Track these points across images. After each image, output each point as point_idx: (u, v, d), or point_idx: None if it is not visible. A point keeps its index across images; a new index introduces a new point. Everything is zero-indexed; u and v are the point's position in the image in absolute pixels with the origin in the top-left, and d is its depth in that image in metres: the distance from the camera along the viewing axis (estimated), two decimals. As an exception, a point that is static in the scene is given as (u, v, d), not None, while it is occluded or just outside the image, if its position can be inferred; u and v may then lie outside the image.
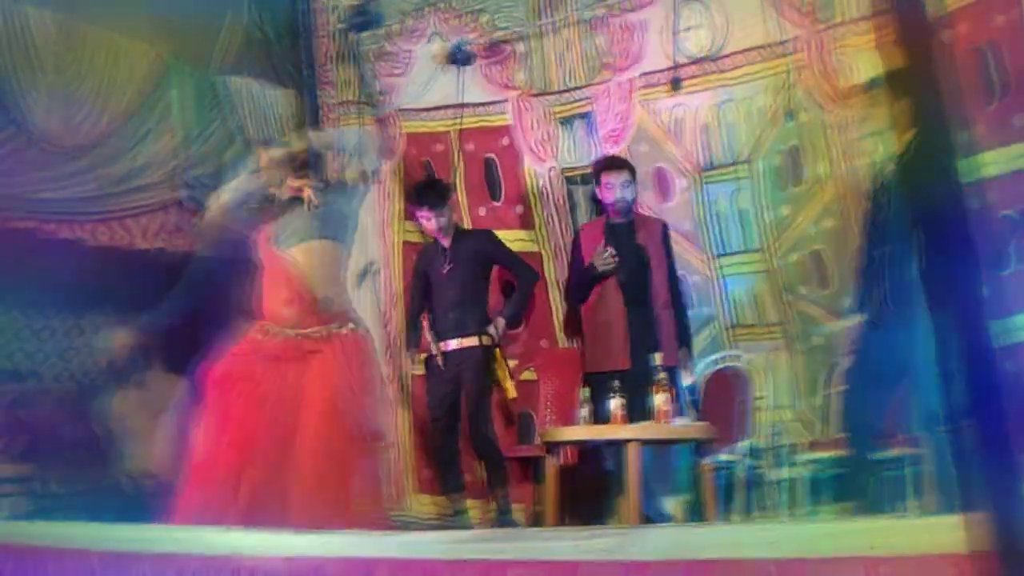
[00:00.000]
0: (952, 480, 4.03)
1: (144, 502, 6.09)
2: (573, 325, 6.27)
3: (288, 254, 4.56)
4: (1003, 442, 1.80)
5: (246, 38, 6.75)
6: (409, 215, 6.66)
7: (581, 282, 5.88)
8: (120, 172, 6.07)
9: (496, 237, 6.22)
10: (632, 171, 5.91)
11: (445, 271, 5.99)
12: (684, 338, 5.82)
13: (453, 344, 5.92)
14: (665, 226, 5.97)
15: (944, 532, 2.14)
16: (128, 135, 6.10)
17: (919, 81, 2.21)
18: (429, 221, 6.00)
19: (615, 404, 5.16)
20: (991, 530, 1.66)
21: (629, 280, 5.73)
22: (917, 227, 4.24)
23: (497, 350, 5.99)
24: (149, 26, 6.12)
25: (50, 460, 5.85)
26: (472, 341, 5.91)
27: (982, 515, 1.67)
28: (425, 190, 6.12)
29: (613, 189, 5.79)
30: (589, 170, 6.39)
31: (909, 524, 2.71)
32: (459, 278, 5.97)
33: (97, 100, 5.94)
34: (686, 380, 5.74)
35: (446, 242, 6.05)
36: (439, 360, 5.93)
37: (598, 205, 6.17)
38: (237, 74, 6.71)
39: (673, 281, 5.88)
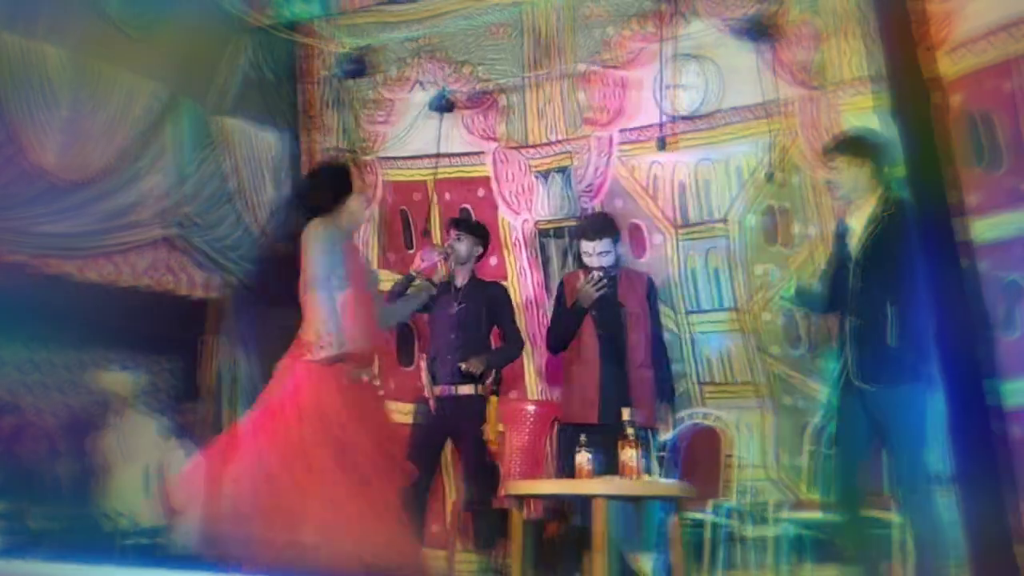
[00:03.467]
0: (937, 542, 4.06)
1: (121, 543, 6.02)
2: (551, 374, 6.26)
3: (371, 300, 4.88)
4: (1000, 502, 1.81)
5: (245, 79, 6.76)
6: (384, 263, 6.67)
7: (565, 325, 5.80)
8: (116, 208, 6.05)
9: (509, 296, 6.22)
10: (614, 235, 5.76)
11: (454, 310, 5.94)
12: (665, 394, 5.76)
13: (451, 390, 5.86)
14: (650, 281, 5.89)
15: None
16: (126, 171, 6.08)
17: (914, 144, 2.24)
18: (459, 240, 6.00)
19: (582, 458, 5.12)
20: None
21: (606, 335, 5.69)
22: (895, 293, 4.32)
23: (495, 397, 5.91)
24: (151, 63, 6.12)
25: (34, 496, 5.75)
26: (469, 389, 5.86)
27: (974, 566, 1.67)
28: (465, 218, 6.33)
29: (591, 258, 5.68)
30: (563, 224, 6.42)
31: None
32: (466, 321, 5.92)
33: (103, 136, 5.92)
34: (664, 435, 5.70)
35: (461, 279, 6.02)
36: (432, 405, 5.86)
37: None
38: (234, 115, 6.72)
39: (657, 337, 5.82)
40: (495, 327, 6.06)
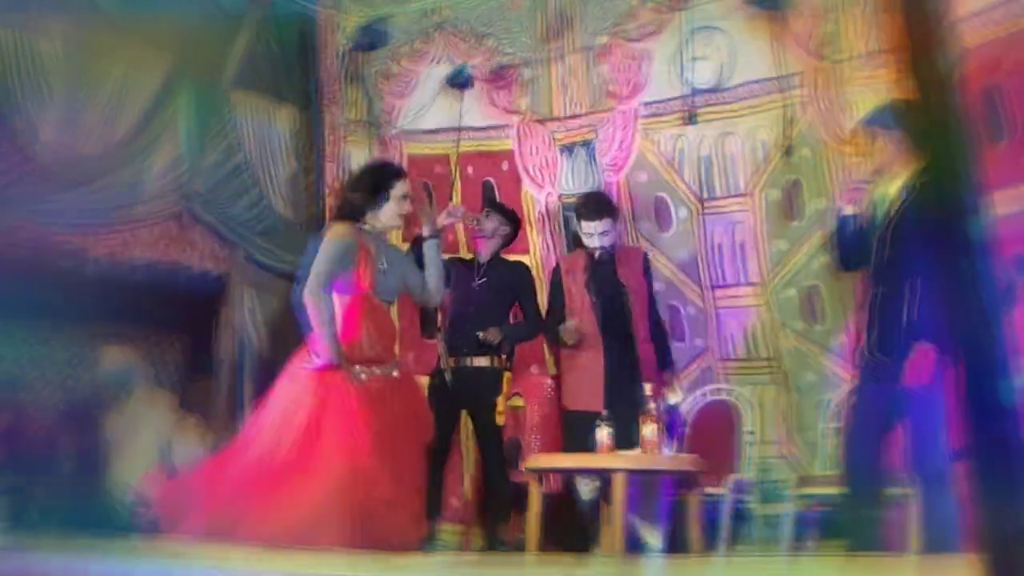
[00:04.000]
0: (949, 521, 4.03)
1: (130, 520, 6.08)
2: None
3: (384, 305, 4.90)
4: (1012, 482, 1.77)
5: (255, 54, 6.74)
6: (408, 236, 6.68)
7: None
8: (124, 184, 6.04)
9: (531, 276, 6.21)
10: (613, 214, 5.79)
11: (475, 285, 5.98)
12: (666, 361, 5.80)
13: (467, 362, 5.88)
14: (645, 256, 5.93)
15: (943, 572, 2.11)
16: (134, 146, 6.08)
17: (933, 118, 2.18)
18: (487, 217, 6.07)
19: (603, 433, 5.13)
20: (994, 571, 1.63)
21: (608, 320, 5.65)
22: (915, 268, 4.26)
23: (507, 373, 5.95)
24: (158, 37, 6.10)
25: (42, 474, 5.80)
26: (485, 361, 5.88)
27: (986, 556, 1.65)
28: (498, 201, 6.41)
29: (592, 238, 5.69)
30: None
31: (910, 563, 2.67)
32: (486, 296, 5.94)
33: (106, 112, 5.91)
34: (672, 399, 5.72)
35: (484, 255, 6.05)
36: (447, 376, 5.88)
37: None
38: (247, 89, 6.70)
39: (653, 308, 5.83)
40: (515, 305, 6.08)
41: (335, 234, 4.73)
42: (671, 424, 5.35)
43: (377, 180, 4.92)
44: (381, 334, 4.77)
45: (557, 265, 6.02)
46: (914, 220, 4.21)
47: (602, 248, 5.66)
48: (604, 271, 5.70)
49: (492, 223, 6.06)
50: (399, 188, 4.88)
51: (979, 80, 4.88)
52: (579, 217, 5.84)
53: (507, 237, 6.16)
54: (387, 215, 4.88)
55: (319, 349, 4.57)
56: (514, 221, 6.21)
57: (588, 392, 5.61)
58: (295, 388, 4.61)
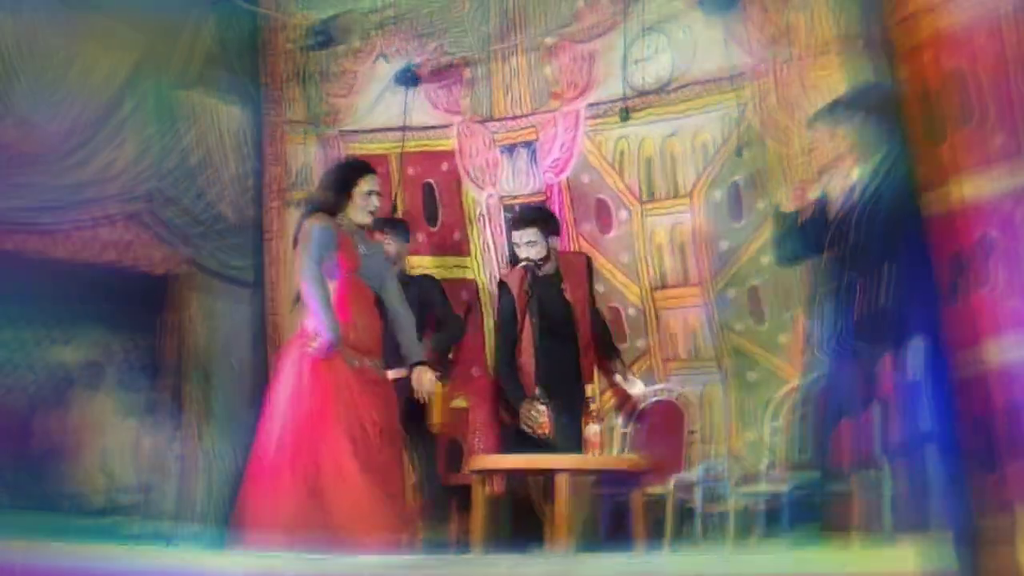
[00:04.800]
0: (907, 506, 4.09)
1: (87, 519, 5.98)
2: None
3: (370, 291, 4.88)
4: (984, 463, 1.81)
5: (208, 53, 6.66)
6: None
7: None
8: (77, 182, 5.94)
9: (441, 287, 6.22)
10: (542, 225, 5.72)
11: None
12: (611, 351, 5.85)
13: (391, 374, 5.86)
14: (588, 259, 5.97)
15: (899, 557, 2.13)
16: (87, 145, 5.99)
17: (901, 106, 2.21)
18: (388, 244, 5.94)
19: (539, 411, 5.19)
20: (953, 553, 1.65)
21: (549, 330, 5.60)
22: (884, 256, 4.32)
23: (440, 386, 5.94)
24: (113, 34, 6.02)
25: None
26: (404, 373, 5.87)
27: (943, 538, 1.67)
28: (392, 218, 6.31)
29: (520, 248, 5.65)
30: (529, 200, 6.40)
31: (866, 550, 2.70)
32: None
33: (58, 107, 5.81)
34: (632, 390, 5.81)
35: None
36: None
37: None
38: (199, 88, 6.61)
39: (595, 308, 5.86)
40: (430, 315, 6.06)
41: (313, 221, 4.74)
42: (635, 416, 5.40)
43: (344, 176, 4.94)
44: (370, 319, 4.80)
45: (501, 283, 5.94)
46: (883, 206, 4.29)
47: (528, 260, 5.60)
48: (548, 291, 5.64)
49: (393, 246, 6.00)
50: (363, 185, 4.90)
51: (947, 64, 4.94)
52: (510, 227, 5.84)
53: (406, 249, 6.17)
54: (354, 211, 4.88)
55: (319, 328, 4.56)
56: (406, 230, 6.20)
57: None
58: (296, 377, 4.61)
